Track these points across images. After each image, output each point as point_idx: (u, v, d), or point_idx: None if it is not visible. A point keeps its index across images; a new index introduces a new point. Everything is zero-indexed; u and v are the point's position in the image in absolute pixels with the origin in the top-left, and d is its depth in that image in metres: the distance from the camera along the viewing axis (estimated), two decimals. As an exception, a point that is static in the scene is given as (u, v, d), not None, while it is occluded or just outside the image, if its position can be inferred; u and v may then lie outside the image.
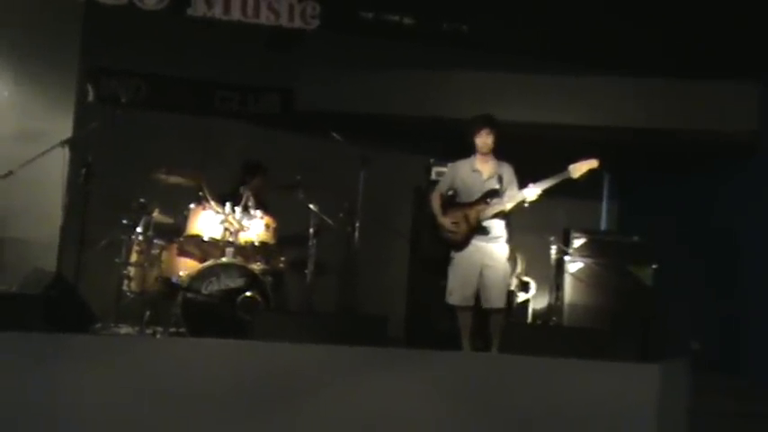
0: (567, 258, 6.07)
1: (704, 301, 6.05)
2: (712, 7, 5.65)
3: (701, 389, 4.01)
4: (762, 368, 5.55)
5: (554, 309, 6.16)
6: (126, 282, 5.42)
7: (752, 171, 6.02)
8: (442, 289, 5.26)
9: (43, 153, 5.15)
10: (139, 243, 5.48)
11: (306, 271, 5.68)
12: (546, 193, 5.02)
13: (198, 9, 5.40)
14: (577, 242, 6.12)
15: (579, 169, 5.01)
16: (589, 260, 6.07)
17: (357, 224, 5.51)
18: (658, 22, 5.74)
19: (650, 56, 5.98)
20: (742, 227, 6.05)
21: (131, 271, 5.45)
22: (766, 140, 5.95)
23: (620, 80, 6.25)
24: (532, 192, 5.01)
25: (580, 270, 6.05)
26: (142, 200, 5.44)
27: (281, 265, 5.73)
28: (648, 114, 6.23)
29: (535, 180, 5.05)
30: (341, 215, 5.72)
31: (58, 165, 5.11)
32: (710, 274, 6.19)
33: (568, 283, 6.02)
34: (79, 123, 6.07)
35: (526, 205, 5.06)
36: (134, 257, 5.47)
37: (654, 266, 5.99)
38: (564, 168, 5.02)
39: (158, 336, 5.10)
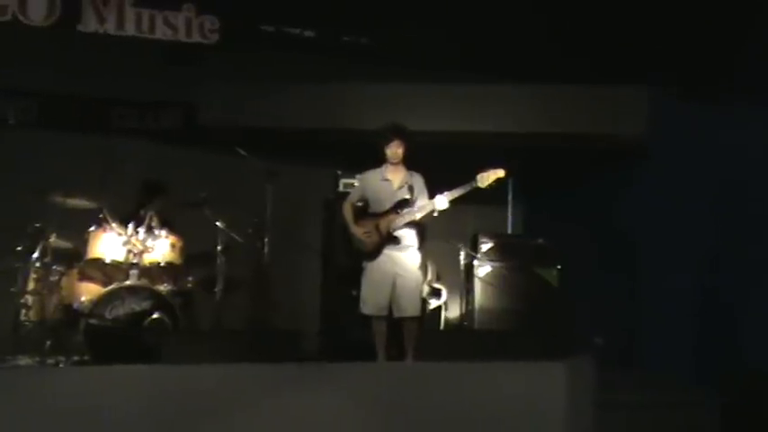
0: (475, 263, 6.16)
1: (607, 298, 6.28)
2: (603, 16, 5.89)
3: (606, 383, 4.16)
4: (658, 360, 5.80)
5: (465, 313, 6.25)
6: (24, 311, 5.16)
7: (645, 173, 6.29)
8: (356, 300, 5.26)
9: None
10: (36, 270, 5.23)
11: (215, 289, 5.57)
12: (455, 201, 5.10)
13: (89, 25, 5.25)
14: (485, 246, 6.22)
15: (487, 179, 5.12)
16: (497, 264, 6.18)
17: (266, 239, 5.44)
18: (555, 31, 5.95)
19: (547, 63, 6.19)
20: (639, 227, 6.30)
21: (29, 299, 5.20)
22: (655, 143, 6.24)
23: (518, 87, 6.42)
24: (442, 201, 5.07)
25: (489, 274, 6.16)
26: (38, 225, 5.21)
27: (189, 284, 5.60)
28: (546, 119, 6.43)
29: (443, 188, 5.12)
30: (249, 231, 5.63)
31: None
32: (612, 273, 6.42)
33: (478, 287, 6.12)
34: (-34, 147, 5.77)
35: (435, 214, 5.12)
36: (31, 285, 5.22)
37: (558, 267, 6.16)
38: (471, 177, 5.11)
39: (61, 365, 4.88)
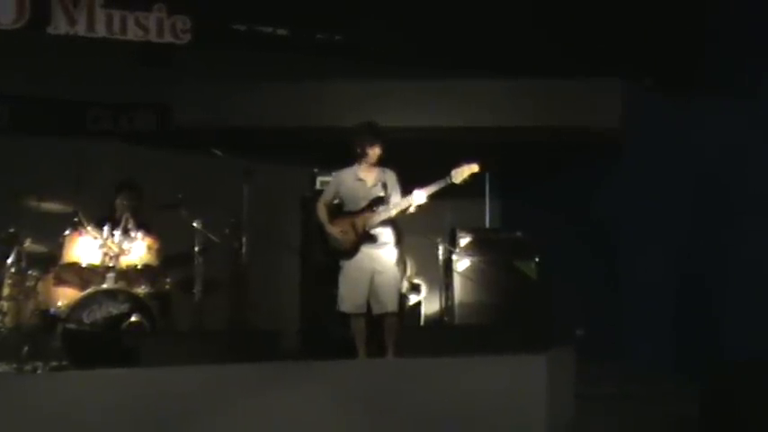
0: (454, 258, 6.19)
1: (586, 290, 6.32)
2: (577, 8, 5.92)
3: (587, 375, 4.20)
4: (638, 351, 5.86)
5: (445, 308, 6.27)
6: (-1, 317, 5.12)
7: (622, 165, 6.34)
8: (335, 298, 5.26)
9: None
10: (11, 276, 5.17)
11: (194, 290, 5.54)
12: (432, 196, 5.10)
13: (59, 27, 5.15)
14: (463, 241, 6.25)
15: (461, 174, 5.11)
16: (475, 258, 6.21)
17: (244, 239, 5.43)
18: (529, 25, 5.96)
19: (521, 57, 6.20)
20: (617, 219, 6.36)
21: (4, 305, 5.14)
22: (631, 135, 6.29)
23: (491, 81, 6.44)
24: (419, 196, 5.07)
25: (467, 268, 6.18)
26: (11, 230, 5.16)
27: (167, 286, 5.57)
28: (520, 113, 6.47)
29: (418, 184, 5.13)
30: (227, 231, 5.62)
31: None
32: (590, 265, 6.47)
33: (457, 281, 6.14)
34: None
35: (412, 210, 5.11)
36: (6, 291, 5.16)
37: (537, 260, 6.19)
38: (446, 173, 5.12)
39: (39, 371, 4.83)
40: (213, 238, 5.57)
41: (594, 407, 4.26)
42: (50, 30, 5.16)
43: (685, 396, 4.31)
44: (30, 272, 5.20)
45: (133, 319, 4.96)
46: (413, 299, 6.41)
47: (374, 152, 5.22)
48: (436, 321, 6.46)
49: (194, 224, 5.51)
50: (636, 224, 6.15)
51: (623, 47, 5.98)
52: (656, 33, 5.82)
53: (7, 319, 5.13)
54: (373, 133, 5.23)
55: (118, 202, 5.64)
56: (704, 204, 5.59)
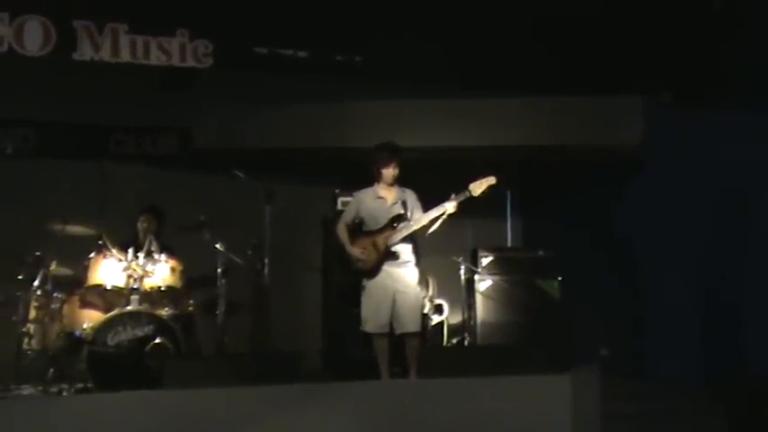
0: (476, 277, 6.16)
1: (610, 308, 6.26)
2: (595, 27, 5.93)
3: (612, 393, 4.15)
4: (664, 368, 5.78)
5: (467, 328, 6.24)
6: (26, 340, 5.16)
7: (641, 181, 6.29)
8: (357, 318, 5.25)
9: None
10: (38, 298, 5.23)
11: (217, 312, 5.56)
12: (460, 205, 5.09)
13: (84, 53, 5.27)
14: (485, 260, 6.22)
15: (479, 187, 5.14)
16: (497, 277, 6.18)
17: (266, 260, 5.44)
18: (547, 44, 5.99)
19: (538, 75, 6.21)
20: (639, 236, 6.30)
21: (31, 328, 5.20)
22: (651, 151, 6.25)
23: (511, 100, 6.44)
24: (450, 205, 5.07)
25: (489, 288, 6.15)
26: (38, 253, 5.23)
27: (191, 308, 5.60)
28: (540, 131, 6.44)
29: (439, 203, 5.14)
30: (249, 252, 5.64)
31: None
32: (613, 283, 6.41)
33: (479, 301, 6.10)
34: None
35: (444, 217, 5.09)
36: (33, 314, 5.22)
37: (559, 279, 6.15)
38: (464, 188, 5.13)
39: (64, 393, 4.86)
40: (236, 259, 5.60)
41: (620, 426, 4.21)
42: (76, 56, 5.28)
43: (713, 414, 4.25)
44: (55, 294, 5.26)
45: (157, 341, 4.99)
46: (435, 319, 6.39)
47: (389, 172, 5.25)
48: (459, 341, 6.42)
49: (217, 246, 5.54)
50: (658, 240, 6.10)
51: (641, 63, 5.98)
52: (674, 49, 5.82)
53: (34, 342, 5.19)
54: (387, 153, 5.25)
55: (139, 225, 5.69)
56: (726, 219, 5.53)
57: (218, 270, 5.56)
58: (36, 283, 5.23)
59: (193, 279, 5.63)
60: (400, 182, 5.33)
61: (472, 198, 5.12)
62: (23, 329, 5.16)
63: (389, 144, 5.30)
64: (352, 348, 5.79)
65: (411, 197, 5.30)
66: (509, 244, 7.48)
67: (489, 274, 6.18)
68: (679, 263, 5.94)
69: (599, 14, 5.88)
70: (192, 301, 5.61)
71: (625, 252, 6.40)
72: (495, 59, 5.86)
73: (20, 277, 5.22)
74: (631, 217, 6.37)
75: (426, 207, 5.21)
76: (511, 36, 5.80)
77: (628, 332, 6.14)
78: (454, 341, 6.46)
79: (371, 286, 5.19)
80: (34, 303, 5.24)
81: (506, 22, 5.82)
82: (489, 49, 5.88)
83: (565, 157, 6.57)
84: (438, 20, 5.90)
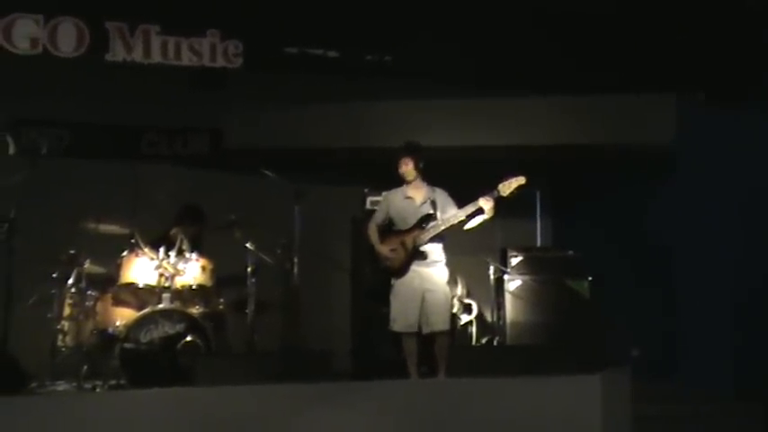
0: (505, 277, 6.14)
1: (640, 309, 6.20)
2: (628, 25, 5.87)
3: (643, 395, 4.11)
4: (696, 371, 5.71)
5: (497, 328, 6.21)
6: (60, 337, 5.24)
7: (674, 181, 6.22)
8: (386, 318, 5.26)
9: (-37, 211, 4.96)
10: (72, 296, 5.31)
11: (246, 311, 5.60)
12: (494, 207, 5.07)
13: (117, 54, 5.34)
14: (515, 260, 6.19)
15: (508, 187, 5.13)
16: (527, 277, 6.15)
17: (296, 259, 5.46)
18: (579, 42, 5.94)
19: (572, 74, 6.17)
20: (672, 236, 6.22)
21: (65, 325, 5.28)
22: (685, 151, 6.17)
23: (543, 99, 6.40)
24: (484, 201, 5.05)
25: (519, 288, 6.12)
26: (72, 251, 5.30)
27: (221, 306, 5.64)
28: (571, 130, 6.40)
29: (468, 203, 5.12)
30: (279, 251, 5.67)
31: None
32: (644, 283, 6.34)
33: (509, 301, 6.08)
34: (-1, 177, 5.88)
35: (477, 222, 5.07)
36: (67, 311, 5.30)
37: (590, 279, 6.10)
38: (494, 188, 5.11)
39: (98, 390, 4.94)
40: (266, 258, 5.63)
41: (651, 428, 4.16)
42: (108, 57, 5.35)
43: (746, 416, 4.18)
44: (89, 292, 5.33)
45: (188, 339, 5.04)
46: (464, 318, 6.37)
47: (406, 169, 5.25)
48: (488, 341, 6.40)
49: (247, 245, 5.58)
50: (690, 240, 6.02)
51: (675, 62, 5.91)
52: (709, 48, 5.74)
53: (68, 339, 5.26)
54: (401, 151, 5.26)
55: (180, 228, 5.68)
56: (760, 220, 5.45)
57: (248, 269, 5.59)
58: (70, 281, 5.31)
59: (224, 278, 5.67)
60: (430, 181, 5.33)
61: (501, 198, 5.11)
62: (58, 327, 5.24)
63: (405, 142, 5.30)
64: (381, 347, 5.79)
65: (441, 196, 5.30)
66: (539, 244, 7.44)
67: (519, 273, 6.15)
68: (711, 263, 5.86)
69: (632, 13, 5.82)
70: (222, 300, 5.66)
71: (656, 252, 6.33)
72: (528, 58, 5.83)
73: (54, 275, 5.29)
74: (663, 217, 6.29)
75: (458, 207, 5.20)
76: (544, 35, 5.76)
77: (658, 333, 6.07)
78: (483, 341, 6.44)
79: (400, 285, 5.20)
80: (68, 301, 5.32)
81: (540, 21, 5.78)
82: (523, 48, 5.84)
83: (596, 157, 6.52)
84: (472, 19, 5.87)
